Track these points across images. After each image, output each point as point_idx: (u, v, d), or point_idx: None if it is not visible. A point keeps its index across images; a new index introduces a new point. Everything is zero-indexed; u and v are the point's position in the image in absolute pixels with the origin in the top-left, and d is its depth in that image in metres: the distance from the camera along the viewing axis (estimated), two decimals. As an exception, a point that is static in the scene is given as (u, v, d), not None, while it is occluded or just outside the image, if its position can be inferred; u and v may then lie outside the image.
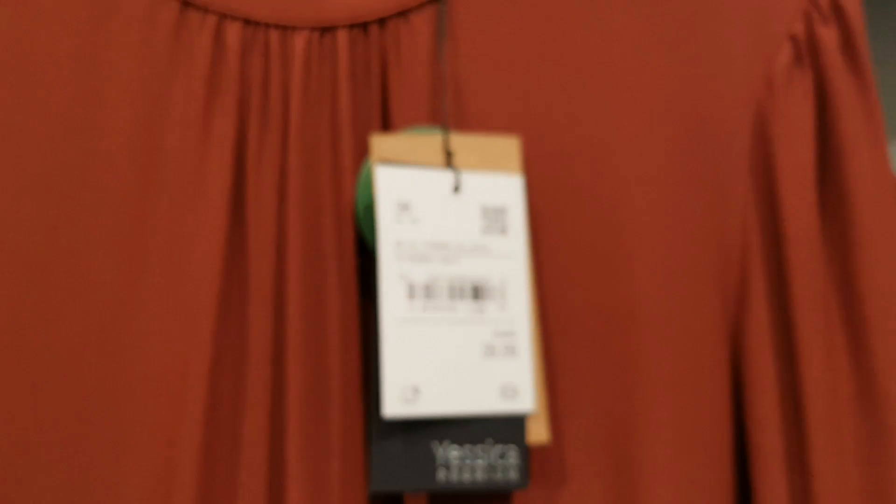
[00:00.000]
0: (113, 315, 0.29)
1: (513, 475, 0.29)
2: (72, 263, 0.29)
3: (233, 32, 0.31)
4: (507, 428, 0.29)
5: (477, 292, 0.29)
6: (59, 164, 0.29)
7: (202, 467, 0.27)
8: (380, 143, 0.30)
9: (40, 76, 0.30)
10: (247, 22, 0.31)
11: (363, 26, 0.31)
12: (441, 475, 0.28)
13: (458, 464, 0.28)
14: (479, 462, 0.29)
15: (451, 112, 0.31)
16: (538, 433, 0.29)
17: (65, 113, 0.30)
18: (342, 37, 0.31)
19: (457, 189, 0.30)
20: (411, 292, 0.29)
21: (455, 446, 0.29)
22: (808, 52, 0.33)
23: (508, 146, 0.31)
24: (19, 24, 0.30)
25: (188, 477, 0.27)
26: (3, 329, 0.28)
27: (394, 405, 0.28)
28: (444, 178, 0.30)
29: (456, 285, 0.29)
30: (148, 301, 0.29)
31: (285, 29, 0.31)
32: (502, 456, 0.29)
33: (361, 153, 0.31)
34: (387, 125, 0.31)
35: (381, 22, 0.31)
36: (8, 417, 0.28)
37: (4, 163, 0.29)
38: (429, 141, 0.30)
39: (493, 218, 0.30)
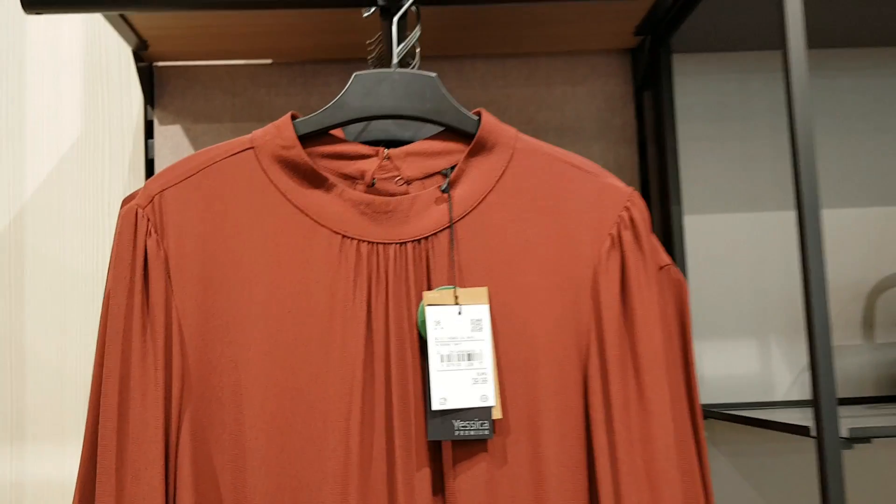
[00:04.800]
0: (321, 366, 0.70)
1: (486, 432, 0.70)
2: (308, 346, 0.70)
3: (363, 247, 0.72)
4: (483, 412, 0.70)
5: (469, 357, 0.71)
6: (299, 307, 0.71)
7: (360, 417, 0.68)
8: (427, 295, 0.71)
9: (288, 272, 0.71)
10: (369, 242, 0.72)
11: (418, 240, 0.72)
12: (456, 433, 0.70)
13: (463, 427, 0.70)
14: (472, 427, 0.70)
15: (457, 278, 0.72)
16: (496, 413, 0.71)
17: (298, 285, 0.71)
18: (409, 246, 0.72)
19: (460, 313, 0.71)
20: (442, 359, 0.70)
21: (461, 421, 0.70)
22: (618, 242, 0.74)
23: (482, 292, 0.72)
24: (279, 248, 0.71)
25: (355, 425, 0.68)
26: (286, 375, 0.70)
27: (436, 405, 0.69)
28: (455, 309, 0.71)
29: (461, 355, 0.70)
30: (332, 363, 0.71)
31: (385, 244, 0.72)
32: (481, 424, 0.70)
33: (419, 298, 0.72)
34: (429, 286, 0.72)
35: (426, 238, 0.72)
36: (286, 409, 0.70)
37: (281, 313, 0.70)
38: (447, 293, 0.71)
39: (476, 324, 0.71)
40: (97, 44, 1.18)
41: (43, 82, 1.17)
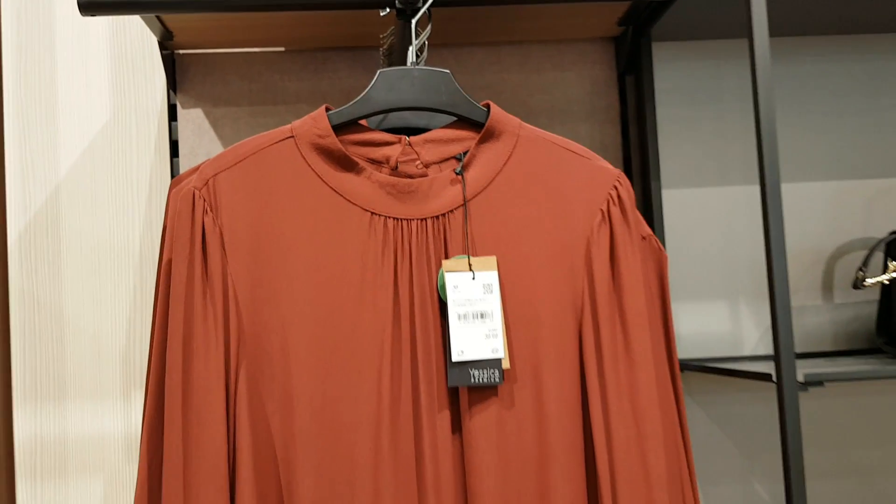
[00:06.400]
0: (354, 330, 0.82)
1: (497, 379, 0.82)
2: (344, 309, 0.82)
3: (389, 222, 0.83)
4: (494, 363, 0.82)
5: (482, 316, 0.82)
6: (336, 275, 0.82)
7: (390, 368, 0.80)
8: (445, 263, 0.83)
9: (325, 245, 0.82)
10: (395, 219, 0.83)
11: (437, 217, 0.84)
12: (472, 380, 0.82)
13: (477, 375, 0.82)
14: (485, 374, 0.82)
15: (470, 249, 0.84)
16: (505, 364, 0.83)
17: (334, 256, 0.82)
18: (429, 222, 0.84)
19: (473, 278, 0.83)
20: (459, 317, 0.82)
21: (476, 370, 0.82)
22: (607, 217, 0.86)
23: (492, 260, 0.84)
24: (318, 224, 0.82)
25: (386, 375, 0.80)
26: (326, 333, 0.82)
27: (455, 357, 0.81)
28: (469, 275, 0.83)
29: (475, 314, 0.82)
30: (364, 322, 0.82)
31: (408, 220, 0.83)
32: (492, 372, 0.82)
33: (438, 266, 0.83)
34: (447, 256, 0.84)
35: (444, 214, 0.84)
36: (326, 361, 0.82)
37: (320, 280, 0.82)
38: (463, 261, 0.83)
39: (487, 288, 0.83)
40: (122, 34, 1.28)
41: (73, 70, 1.26)
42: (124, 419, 1.23)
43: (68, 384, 1.22)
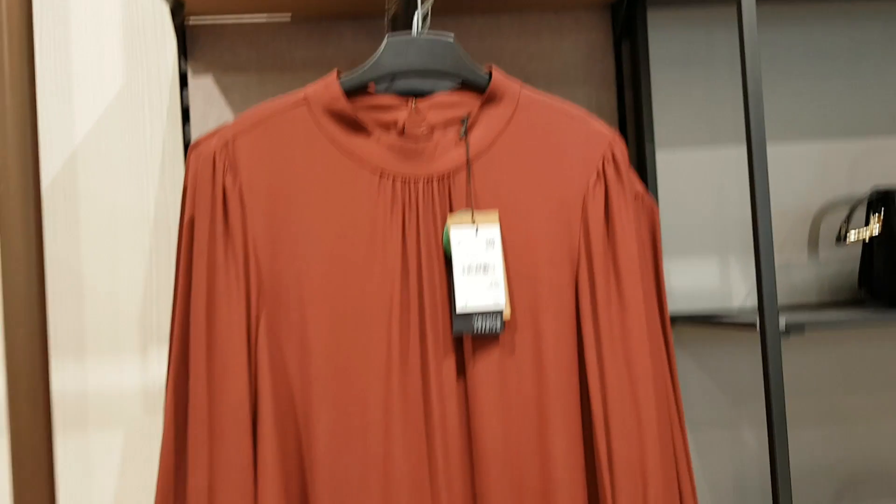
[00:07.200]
0: (366, 283, 0.88)
1: (498, 327, 0.88)
2: (355, 262, 0.88)
3: (397, 182, 0.89)
4: (495, 312, 0.88)
5: (485, 268, 0.88)
6: (347, 232, 0.88)
7: (399, 317, 0.86)
8: (450, 218, 0.88)
9: (338, 204, 0.88)
10: (402, 179, 0.89)
11: (442, 176, 0.89)
12: (475, 328, 0.88)
13: (480, 324, 0.88)
14: (487, 323, 0.88)
15: (473, 205, 0.89)
16: (506, 314, 0.89)
17: (346, 214, 0.88)
18: (435, 181, 0.89)
19: (476, 233, 0.88)
20: (463, 270, 0.88)
21: (479, 319, 0.88)
22: (602, 176, 0.91)
23: (493, 215, 0.89)
24: (330, 184, 0.88)
25: (395, 323, 0.86)
26: (339, 285, 0.87)
27: (459, 307, 0.87)
28: (472, 229, 0.88)
29: (478, 267, 0.88)
30: (375, 275, 0.88)
31: (415, 179, 0.89)
32: (494, 321, 0.88)
33: (444, 223, 0.89)
34: (451, 210, 0.89)
35: (449, 174, 0.89)
36: (340, 311, 0.87)
37: (333, 236, 0.87)
38: (466, 215, 0.89)
39: (489, 242, 0.89)
40: (134, 2, 1.32)
41: (87, 40, 1.31)
42: (142, 374, 1.29)
43: (87, 341, 1.29)
